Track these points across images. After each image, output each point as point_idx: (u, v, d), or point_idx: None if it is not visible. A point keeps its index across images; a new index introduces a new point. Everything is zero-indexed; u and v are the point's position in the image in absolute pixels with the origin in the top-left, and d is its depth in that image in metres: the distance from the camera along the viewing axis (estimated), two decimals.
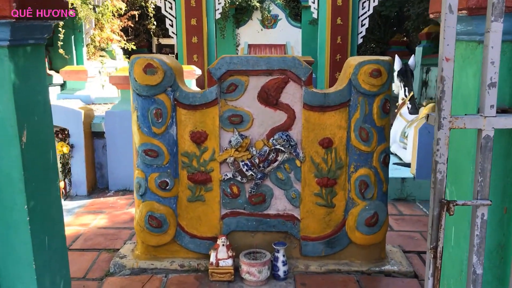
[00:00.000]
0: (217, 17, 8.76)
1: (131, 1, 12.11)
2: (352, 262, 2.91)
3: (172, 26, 8.70)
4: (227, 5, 12.86)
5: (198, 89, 2.86)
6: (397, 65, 5.37)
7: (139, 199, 2.90)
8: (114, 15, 10.74)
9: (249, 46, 10.05)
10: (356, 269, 2.86)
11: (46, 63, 8.63)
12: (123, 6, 10.25)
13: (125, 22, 11.80)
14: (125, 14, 11.91)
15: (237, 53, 12.98)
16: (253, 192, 2.88)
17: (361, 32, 8.54)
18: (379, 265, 2.90)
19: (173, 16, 8.60)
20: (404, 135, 4.99)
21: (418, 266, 2.97)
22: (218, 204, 2.90)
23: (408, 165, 4.58)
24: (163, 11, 8.34)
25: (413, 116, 5.44)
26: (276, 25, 13.91)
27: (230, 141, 2.82)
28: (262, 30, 13.84)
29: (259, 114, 2.82)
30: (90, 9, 8.59)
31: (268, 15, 13.62)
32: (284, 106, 2.81)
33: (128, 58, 13.71)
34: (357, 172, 2.80)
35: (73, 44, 8.44)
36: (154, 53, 15.31)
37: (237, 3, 13.34)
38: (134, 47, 10.24)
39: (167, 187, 2.85)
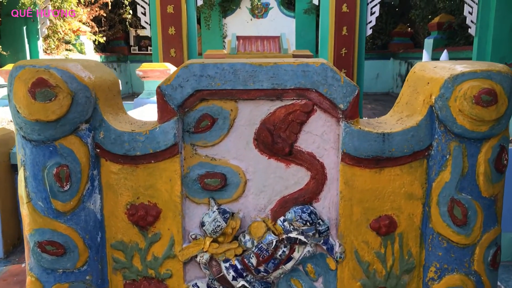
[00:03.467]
0: (199, 4, 7.39)
1: None
2: None
3: (144, 14, 7.35)
4: None
5: (145, 121, 1.53)
6: (426, 58, 4.17)
7: None
8: (80, 2, 9.32)
9: (238, 38, 8.66)
10: None
11: None
12: None
13: (96, 10, 10.38)
14: (96, 1, 10.49)
15: (223, 46, 11.55)
16: None
17: (370, 22, 7.22)
18: None
19: (145, 3, 7.23)
20: None
21: None
22: None
23: None
24: None
25: None
26: (267, 14, 12.55)
27: (202, 223, 1.49)
28: (251, 20, 12.48)
29: (257, 172, 1.49)
30: None
31: (258, 3, 12.23)
32: (305, 157, 1.48)
33: (101, 51, 12.23)
34: (443, 282, 1.49)
35: (25, 36, 6.98)
36: (131, 46, 13.77)
37: None
38: (102, 40, 8.81)
39: None
